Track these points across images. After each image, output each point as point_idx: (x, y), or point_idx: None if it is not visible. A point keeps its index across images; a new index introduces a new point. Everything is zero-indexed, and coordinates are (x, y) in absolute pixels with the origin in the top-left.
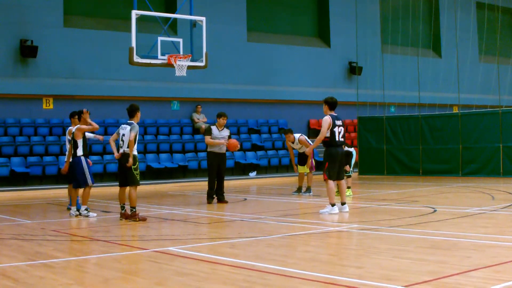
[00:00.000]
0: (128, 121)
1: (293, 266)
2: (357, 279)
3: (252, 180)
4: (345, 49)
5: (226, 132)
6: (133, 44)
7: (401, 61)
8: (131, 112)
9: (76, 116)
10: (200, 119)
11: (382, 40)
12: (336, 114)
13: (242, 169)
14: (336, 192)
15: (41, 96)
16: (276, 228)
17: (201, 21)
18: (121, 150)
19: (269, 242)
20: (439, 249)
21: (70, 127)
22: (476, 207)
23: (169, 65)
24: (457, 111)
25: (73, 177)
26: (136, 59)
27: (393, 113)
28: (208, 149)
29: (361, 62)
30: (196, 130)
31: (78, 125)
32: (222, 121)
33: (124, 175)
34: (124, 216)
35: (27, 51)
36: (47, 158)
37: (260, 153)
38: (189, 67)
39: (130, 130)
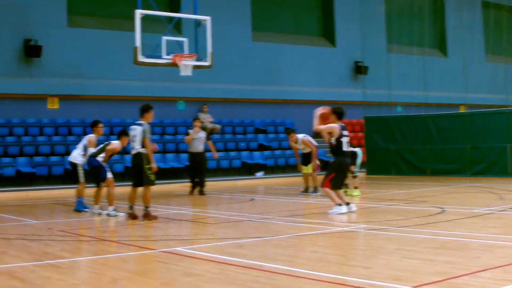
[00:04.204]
0: (138, 122)
1: (301, 266)
2: (366, 280)
3: (259, 180)
4: (351, 48)
5: (202, 134)
6: (138, 43)
7: (407, 60)
8: (142, 112)
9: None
10: (206, 119)
11: (387, 40)
12: (343, 125)
13: (248, 169)
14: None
15: (46, 96)
16: (284, 228)
17: (206, 20)
18: (134, 151)
19: (277, 242)
20: (448, 249)
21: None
22: (485, 207)
23: (174, 64)
24: (464, 111)
25: (95, 176)
26: (141, 58)
27: (400, 113)
28: (188, 150)
29: (366, 62)
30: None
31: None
32: (196, 124)
33: (138, 176)
34: (131, 216)
35: (31, 50)
36: (53, 158)
37: (266, 153)
38: (194, 67)
39: (143, 133)
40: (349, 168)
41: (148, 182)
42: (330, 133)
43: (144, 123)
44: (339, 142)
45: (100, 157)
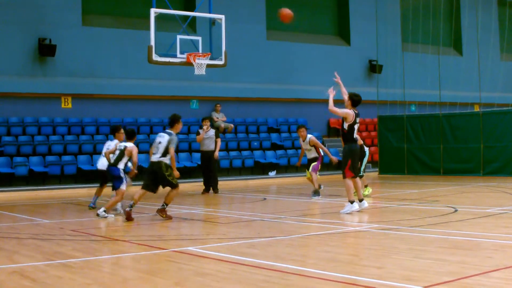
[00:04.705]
0: (167, 130)
1: (313, 266)
2: (377, 280)
3: (272, 180)
4: (365, 47)
5: (211, 132)
6: (152, 42)
7: (421, 59)
8: (171, 122)
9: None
10: (220, 118)
11: (402, 38)
12: (357, 112)
13: (261, 169)
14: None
15: (60, 95)
16: (296, 228)
17: (220, 19)
18: (154, 158)
19: (289, 242)
20: (460, 249)
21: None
22: (498, 207)
23: (188, 63)
24: (478, 110)
25: (112, 183)
26: (155, 57)
27: (414, 112)
28: (200, 149)
29: (381, 61)
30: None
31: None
32: (206, 123)
33: (153, 181)
34: (127, 214)
35: (46, 50)
36: (66, 158)
37: (279, 152)
38: (208, 66)
39: (169, 142)
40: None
41: (173, 186)
42: (344, 118)
43: (172, 133)
44: (351, 129)
45: (122, 164)
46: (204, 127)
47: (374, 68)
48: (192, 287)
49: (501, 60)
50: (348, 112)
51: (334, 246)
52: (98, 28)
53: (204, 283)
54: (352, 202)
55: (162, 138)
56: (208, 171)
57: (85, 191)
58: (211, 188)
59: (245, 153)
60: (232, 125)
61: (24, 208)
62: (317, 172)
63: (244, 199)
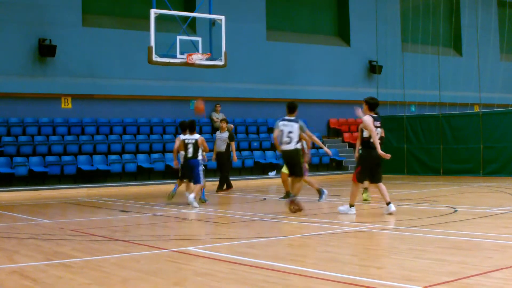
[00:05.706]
0: (289, 118)
1: (312, 266)
2: (377, 280)
3: (272, 180)
4: (365, 47)
5: (225, 134)
6: (152, 43)
7: (421, 59)
8: (292, 109)
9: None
10: (219, 118)
11: (402, 39)
12: (376, 115)
13: (261, 169)
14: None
15: (60, 95)
16: (296, 228)
17: (220, 20)
18: (290, 146)
19: (289, 242)
20: (460, 249)
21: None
22: (498, 207)
23: (188, 64)
24: (478, 110)
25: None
26: (155, 58)
27: (414, 112)
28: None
29: (381, 61)
30: (215, 129)
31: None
32: (224, 125)
33: (292, 168)
34: (292, 205)
35: (46, 50)
36: (66, 158)
37: (279, 152)
38: (208, 66)
39: (301, 129)
40: (379, 159)
41: (300, 175)
42: (365, 127)
43: (299, 120)
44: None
45: (200, 155)
46: (222, 128)
47: (374, 68)
48: (191, 287)
49: (501, 60)
50: (367, 118)
51: (334, 246)
52: (98, 28)
53: (203, 283)
54: (351, 206)
55: (292, 127)
56: (220, 172)
57: (84, 191)
58: (225, 185)
59: (245, 153)
60: (232, 125)
61: (24, 208)
62: (307, 172)
63: (244, 199)
